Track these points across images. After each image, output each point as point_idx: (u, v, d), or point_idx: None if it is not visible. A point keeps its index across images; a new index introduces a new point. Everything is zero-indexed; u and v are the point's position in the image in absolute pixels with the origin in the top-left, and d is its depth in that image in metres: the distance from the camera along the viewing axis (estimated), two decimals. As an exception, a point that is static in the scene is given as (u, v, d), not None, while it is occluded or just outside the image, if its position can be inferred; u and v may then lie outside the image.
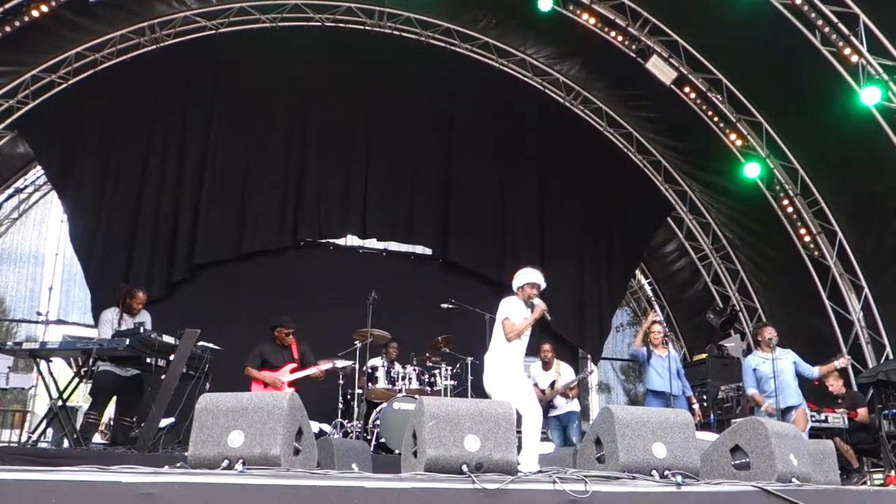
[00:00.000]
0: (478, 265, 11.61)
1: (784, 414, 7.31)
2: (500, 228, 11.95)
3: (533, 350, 8.20)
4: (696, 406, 8.27)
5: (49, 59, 10.46)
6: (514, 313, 5.73)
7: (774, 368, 7.35)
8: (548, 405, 8.49)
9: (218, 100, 11.04)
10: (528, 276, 5.83)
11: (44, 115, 10.45)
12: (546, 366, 8.79)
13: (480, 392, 7.87)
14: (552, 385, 8.62)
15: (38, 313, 10.73)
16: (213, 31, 11.32)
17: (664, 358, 7.92)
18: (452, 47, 12.21)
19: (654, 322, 8.34)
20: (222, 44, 11.28)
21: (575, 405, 8.76)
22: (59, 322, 10.70)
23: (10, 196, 11.19)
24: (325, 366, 7.87)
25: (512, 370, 5.68)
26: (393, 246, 11.79)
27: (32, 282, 11.14)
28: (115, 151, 10.52)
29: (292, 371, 7.79)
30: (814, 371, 7.62)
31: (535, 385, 8.46)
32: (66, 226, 10.58)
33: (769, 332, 7.66)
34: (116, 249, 10.12)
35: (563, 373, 8.72)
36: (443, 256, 11.64)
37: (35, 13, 9.46)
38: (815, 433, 7.78)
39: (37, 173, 11.20)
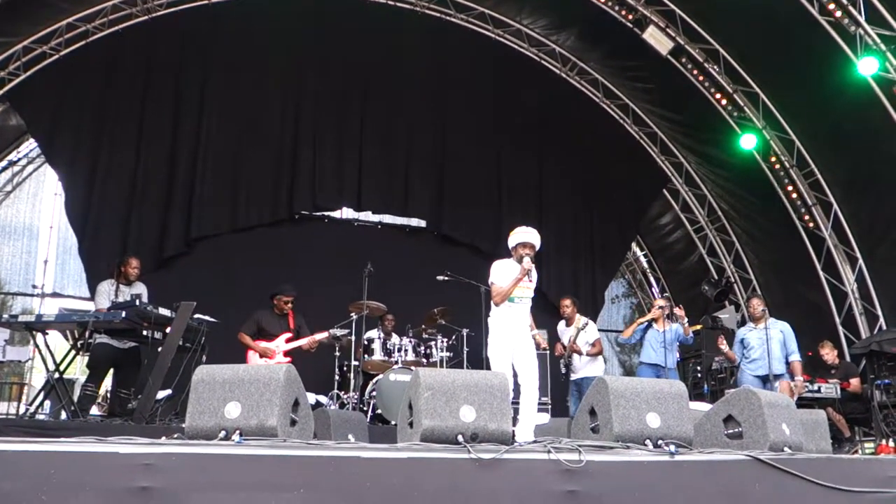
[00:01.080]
0: (473, 238, 11.59)
1: (772, 381, 7.43)
2: (496, 201, 11.92)
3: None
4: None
5: (40, 30, 10.31)
6: (501, 277, 5.49)
7: (767, 336, 7.49)
8: (567, 366, 8.25)
9: (211, 71, 10.91)
10: (519, 236, 5.61)
11: (36, 87, 10.33)
12: (568, 322, 8.51)
13: (476, 363, 7.95)
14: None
15: (34, 286, 10.70)
16: (207, 1, 11.15)
17: (661, 332, 7.97)
18: (448, 17, 12.08)
19: (660, 296, 8.30)
20: (215, 13, 11.11)
21: (597, 368, 8.21)
22: (55, 295, 10.68)
23: (4, 169, 11.09)
24: (318, 336, 7.88)
25: (506, 336, 5.44)
26: (388, 219, 11.72)
27: (27, 255, 11.09)
28: (108, 123, 10.41)
29: (287, 341, 7.81)
30: (791, 355, 7.65)
31: (561, 342, 8.37)
32: (61, 199, 10.53)
33: (753, 305, 7.97)
34: (111, 223, 10.07)
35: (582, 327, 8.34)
36: (438, 229, 11.62)
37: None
38: (807, 403, 7.87)
39: (30, 146, 11.09)
